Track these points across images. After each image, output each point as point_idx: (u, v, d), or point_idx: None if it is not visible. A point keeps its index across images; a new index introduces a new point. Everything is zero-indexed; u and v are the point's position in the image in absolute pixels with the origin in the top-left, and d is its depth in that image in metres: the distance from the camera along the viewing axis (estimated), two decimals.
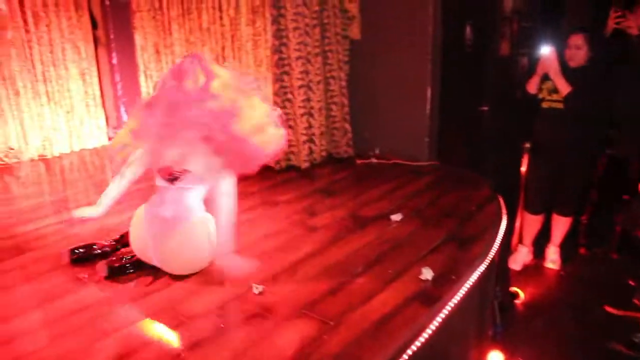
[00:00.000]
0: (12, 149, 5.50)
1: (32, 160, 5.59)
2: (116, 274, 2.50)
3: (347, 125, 4.72)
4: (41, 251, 2.95)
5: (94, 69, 6.02)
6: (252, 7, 4.50)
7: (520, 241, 4.03)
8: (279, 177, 4.32)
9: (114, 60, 6.01)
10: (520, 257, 3.99)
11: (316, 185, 4.04)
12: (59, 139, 5.81)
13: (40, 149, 5.70)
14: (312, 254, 2.76)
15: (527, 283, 3.73)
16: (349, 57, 4.69)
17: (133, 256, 2.54)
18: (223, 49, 4.89)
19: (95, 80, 6.03)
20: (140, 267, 2.54)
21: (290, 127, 4.45)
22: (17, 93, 5.45)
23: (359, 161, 4.63)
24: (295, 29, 4.24)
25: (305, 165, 4.49)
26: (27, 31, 5.41)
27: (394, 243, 2.86)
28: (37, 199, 4.21)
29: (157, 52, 5.59)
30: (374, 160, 4.61)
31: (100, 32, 6.02)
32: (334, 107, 4.67)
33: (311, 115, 4.50)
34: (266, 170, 4.27)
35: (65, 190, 4.53)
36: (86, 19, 5.82)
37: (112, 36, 6.00)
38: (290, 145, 4.49)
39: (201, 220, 2.43)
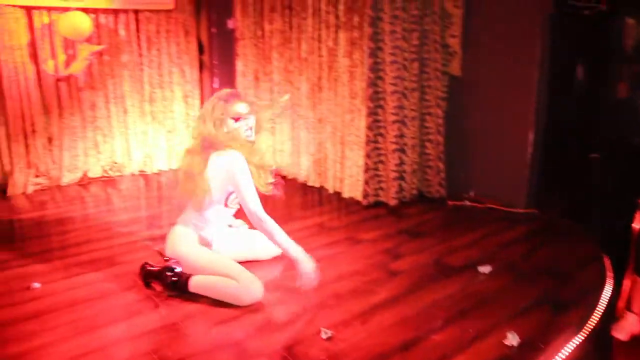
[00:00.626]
0: (116, 163, 5.93)
1: (133, 174, 5.98)
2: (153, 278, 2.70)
3: (441, 164, 4.57)
4: (130, 265, 3.11)
5: (197, 91, 6.36)
6: (351, 39, 4.53)
7: (628, 307, 3.64)
8: (366, 212, 4.28)
9: (215, 84, 6.26)
10: (628, 326, 3.59)
11: (403, 225, 3.95)
12: (159, 156, 6.18)
13: (142, 164, 6.08)
14: (389, 301, 2.67)
15: (634, 357, 3.36)
16: (447, 94, 4.57)
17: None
18: (320, 79, 4.96)
19: (197, 102, 6.33)
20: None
21: (381, 162, 4.41)
22: (125, 111, 5.89)
23: (450, 202, 4.47)
24: (393, 62, 4.22)
25: (393, 202, 4.41)
26: (140, 55, 5.85)
27: (479, 298, 2.70)
28: (135, 212, 4.50)
29: (257, 78, 5.77)
30: (466, 202, 4.43)
31: (205, 57, 6.35)
32: (428, 144, 4.56)
33: (404, 151, 4.43)
34: (353, 204, 4.38)
35: (160, 206, 4.80)
36: (194, 45, 6.18)
37: (215, 61, 6.28)
38: (380, 181, 4.45)
39: None
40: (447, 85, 4.57)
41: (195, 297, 2.63)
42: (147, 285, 2.76)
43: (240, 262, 2.77)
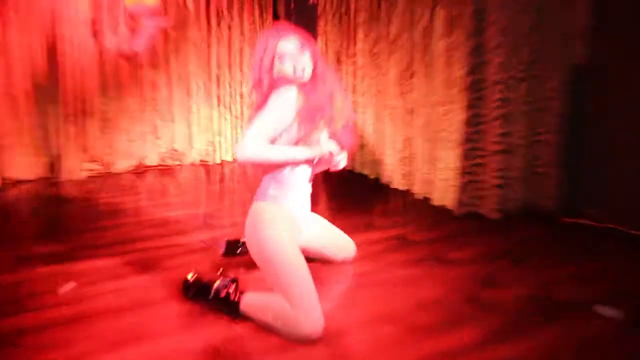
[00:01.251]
0: (175, 150, 6.09)
1: (193, 164, 6.17)
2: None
3: (555, 171, 4.26)
4: (179, 270, 3.10)
5: None
6: (450, 16, 4.33)
7: None
8: (459, 225, 4.09)
9: None
10: None
11: (502, 245, 3.71)
12: (223, 145, 6.32)
13: (204, 153, 6.23)
14: (474, 345, 2.44)
15: None
16: (567, 85, 4.24)
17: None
18: (411, 63, 4.81)
19: None
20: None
21: (480, 165, 4.20)
22: (189, 93, 6.01)
23: (564, 219, 4.16)
24: (499, 45, 3.98)
25: (493, 215, 4.20)
26: (208, 31, 5.94)
27: (595, 349, 2.42)
28: (192, 208, 4.56)
29: (338, 61, 5.72)
30: (584, 220, 4.09)
31: None
32: (539, 146, 4.27)
33: (509, 153, 4.18)
34: (444, 214, 4.24)
35: (221, 202, 4.85)
36: (269, 21, 6.20)
37: None
38: (477, 189, 4.25)
39: None
40: (567, 74, 4.24)
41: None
42: (192, 297, 2.73)
43: (310, 255, 2.79)
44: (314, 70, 2.62)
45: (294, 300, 2.39)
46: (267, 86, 2.56)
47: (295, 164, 2.65)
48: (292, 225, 2.72)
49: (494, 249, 3.62)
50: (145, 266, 3.20)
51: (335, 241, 3.11)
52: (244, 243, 3.20)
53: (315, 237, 3.00)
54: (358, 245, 3.21)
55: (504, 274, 3.21)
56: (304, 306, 2.37)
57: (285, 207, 2.71)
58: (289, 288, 2.43)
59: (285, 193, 2.72)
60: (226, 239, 3.24)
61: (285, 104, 2.47)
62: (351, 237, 3.22)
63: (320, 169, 2.76)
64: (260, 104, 2.57)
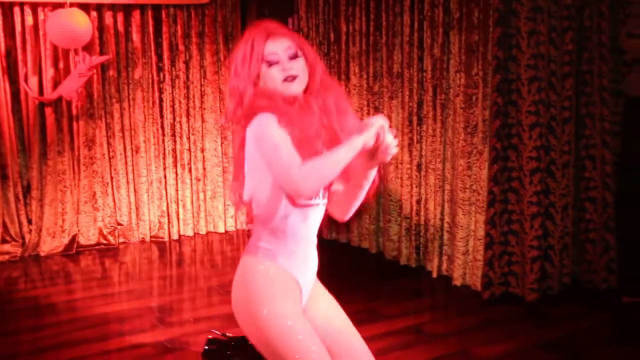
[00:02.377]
0: (120, 224, 6.06)
1: (143, 241, 6.13)
2: None
3: (611, 237, 4.29)
4: None
5: None
6: (468, 44, 4.44)
7: None
8: (488, 312, 4.09)
9: None
10: None
11: (547, 336, 3.69)
12: (181, 216, 6.29)
13: (156, 227, 6.21)
14: None
15: None
16: (621, 126, 4.33)
17: None
18: (420, 105, 4.89)
19: None
20: None
21: (513, 233, 4.22)
22: (137, 150, 6.04)
23: (626, 299, 4.17)
24: (533, 79, 4.05)
25: (532, 296, 4.17)
26: (159, 69, 6.02)
27: None
28: (144, 299, 4.56)
29: None
30: None
31: None
32: (589, 205, 4.34)
33: (549, 217, 4.21)
34: (469, 298, 4.26)
35: (180, 290, 4.86)
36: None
37: None
38: (511, 262, 4.25)
39: None
40: (620, 113, 4.33)
41: None
42: None
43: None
44: (309, 82, 2.54)
45: None
46: (246, 106, 2.48)
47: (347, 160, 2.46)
48: (293, 291, 2.57)
49: (537, 342, 3.60)
50: None
51: (348, 342, 2.93)
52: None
53: (320, 324, 2.86)
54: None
55: None
56: None
57: (282, 266, 2.61)
58: None
59: (281, 246, 2.54)
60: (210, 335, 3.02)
61: (270, 126, 2.42)
62: None
63: (372, 164, 2.52)
64: (241, 141, 2.50)
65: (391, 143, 2.27)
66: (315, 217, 2.48)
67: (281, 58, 2.40)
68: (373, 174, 2.35)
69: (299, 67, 2.41)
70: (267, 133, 2.30)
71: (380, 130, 2.20)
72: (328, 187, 2.42)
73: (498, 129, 4.15)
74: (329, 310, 2.65)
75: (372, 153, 2.27)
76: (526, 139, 4.11)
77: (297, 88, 2.43)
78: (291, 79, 2.39)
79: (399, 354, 3.38)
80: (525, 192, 4.15)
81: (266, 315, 2.40)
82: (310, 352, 2.37)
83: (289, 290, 2.47)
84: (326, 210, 2.49)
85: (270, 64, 2.37)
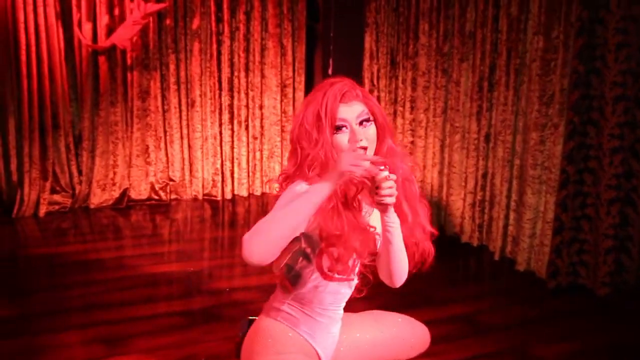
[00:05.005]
0: (172, 180, 6.02)
1: (195, 199, 6.11)
2: None
3: None
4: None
5: (301, 79, 6.32)
6: (548, 2, 4.13)
7: None
8: (553, 303, 3.96)
9: (330, 70, 6.17)
10: None
11: (620, 337, 3.46)
12: (236, 174, 6.24)
13: (209, 185, 6.16)
14: None
15: None
16: None
17: None
18: (491, 69, 4.64)
19: (301, 96, 6.29)
20: None
21: (586, 217, 3.97)
22: (192, 104, 5.96)
23: None
24: (622, 44, 3.71)
25: (603, 290, 3.94)
26: (217, 20, 5.86)
27: None
28: (192, 259, 4.51)
29: (393, 63, 5.58)
30: None
31: (319, 27, 6.26)
32: None
33: (630, 203, 3.90)
34: (533, 286, 4.18)
35: (232, 255, 4.78)
36: (302, 6, 6.11)
37: (332, 34, 6.12)
38: (582, 251, 4.04)
39: None
40: None
41: None
42: None
43: None
44: (377, 147, 2.37)
45: None
46: (299, 166, 2.31)
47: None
48: (308, 355, 2.53)
49: (607, 343, 3.43)
50: (99, 348, 3.11)
51: (391, 344, 2.83)
52: None
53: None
54: None
55: None
56: None
57: (302, 334, 2.51)
58: None
59: (305, 315, 2.51)
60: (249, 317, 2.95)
61: (291, 191, 2.25)
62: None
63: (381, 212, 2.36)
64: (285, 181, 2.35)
65: (385, 186, 2.14)
66: (347, 291, 2.46)
67: (352, 125, 2.23)
68: (393, 226, 2.23)
69: (370, 134, 2.24)
70: (285, 198, 2.15)
71: (371, 169, 2.07)
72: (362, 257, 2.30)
73: (577, 100, 3.88)
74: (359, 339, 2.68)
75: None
76: (609, 113, 3.81)
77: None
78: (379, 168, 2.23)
79: (446, 346, 3.17)
80: (604, 173, 3.87)
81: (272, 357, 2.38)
82: None
83: (304, 353, 2.42)
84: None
85: (340, 128, 2.22)
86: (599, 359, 3.20)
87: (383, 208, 2.18)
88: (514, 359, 3.17)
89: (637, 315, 3.71)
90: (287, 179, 2.29)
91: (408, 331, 2.84)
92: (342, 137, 2.26)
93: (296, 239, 2.23)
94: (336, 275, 2.32)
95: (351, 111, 2.29)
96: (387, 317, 2.83)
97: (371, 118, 2.31)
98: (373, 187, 2.20)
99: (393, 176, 2.19)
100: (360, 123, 2.28)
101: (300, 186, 2.19)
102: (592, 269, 3.99)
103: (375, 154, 2.30)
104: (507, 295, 4.05)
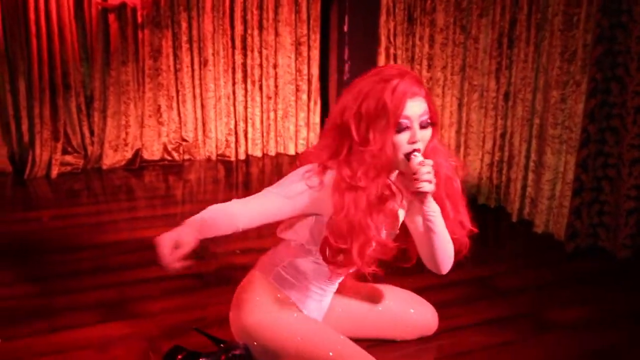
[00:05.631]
0: (185, 141, 6.02)
1: (209, 159, 6.12)
2: None
3: None
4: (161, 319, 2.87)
5: (316, 37, 6.23)
6: None
7: None
8: (570, 267, 3.87)
9: (346, 27, 6.11)
10: None
11: (638, 303, 3.36)
12: (249, 135, 6.22)
13: (223, 145, 6.15)
14: None
15: None
16: None
17: None
18: (512, 24, 4.50)
19: (315, 54, 6.22)
20: None
21: (608, 179, 3.90)
22: (204, 64, 5.90)
23: None
24: None
25: (623, 253, 3.86)
26: None
27: None
28: None
29: (410, 19, 5.45)
30: None
31: None
32: None
33: None
34: (550, 249, 4.12)
35: None
36: None
37: None
38: (602, 213, 3.98)
39: None
40: None
41: None
42: None
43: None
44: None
45: None
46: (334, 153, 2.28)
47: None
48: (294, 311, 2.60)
49: (625, 309, 3.36)
50: (110, 311, 3.09)
51: (396, 318, 2.85)
52: None
53: (356, 326, 2.81)
54: (420, 292, 2.94)
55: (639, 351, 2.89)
56: None
57: (291, 298, 2.58)
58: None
59: (297, 282, 2.56)
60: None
61: (300, 182, 2.26)
62: (410, 281, 3.05)
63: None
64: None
65: (422, 172, 2.17)
66: (342, 278, 2.60)
67: (414, 126, 2.23)
68: (434, 215, 2.28)
69: (426, 137, 2.28)
70: (291, 180, 2.26)
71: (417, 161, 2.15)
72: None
73: (600, 56, 3.76)
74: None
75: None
76: (634, 70, 3.69)
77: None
78: (414, 152, 2.23)
79: (458, 310, 3.14)
80: (627, 133, 3.77)
81: (258, 319, 2.45)
82: (292, 331, 2.41)
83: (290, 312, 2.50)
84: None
85: (403, 128, 2.22)
86: (619, 325, 3.12)
87: (422, 197, 2.19)
88: (530, 323, 3.10)
89: None
90: (316, 162, 2.26)
91: (416, 312, 2.85)
92: (403, 137, 2.20)
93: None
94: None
95: (417, 108, 2.27)
96: (398, 293, 2.81)
97: (430, 121, 2.26)
98: (410, 175, 2.19)
99: (429, 161, 2.15)
100: (421, 127, 2.23)
101: (313, 180, 2.19)
102: (612, 231, 3.92)
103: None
104: (524, 258, 4.00)
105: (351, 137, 2.20)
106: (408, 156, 2.19)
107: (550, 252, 4.05)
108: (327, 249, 2.31)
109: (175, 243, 2.10)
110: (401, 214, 2.41)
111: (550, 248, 4.10)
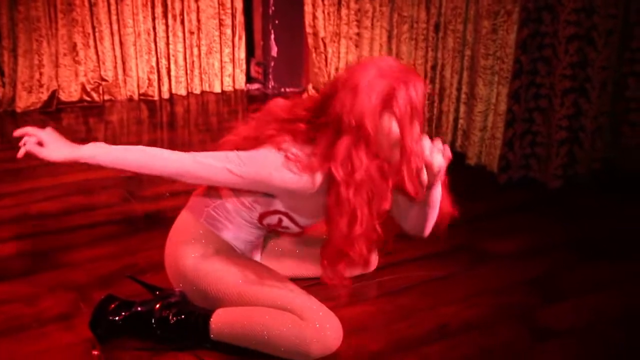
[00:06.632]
0: (104, 80, 5.84)
1: (130, 99, 5.97)
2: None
3: None
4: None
5: None
6: None
7: None
8: (505, 198, 3.95)
9: None
10: None
11: (571, 231, 3.46)
12: (173, 73, 6.08)
13: (144, 84, 6.00)
14: None
15: None
16: None
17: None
18: None
19: None
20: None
21: (539, 110, 3.94)
22: None
23: None
24: None
25: (555, 183, 3.97)
26: None
27: None
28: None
29: None
30: None
31: None
32: (632, 80, 3.93)
33: (584, 93, 3.88)
34: (484, 181, 4.19)
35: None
36: None
37: None
38: (534, 144, 4.05)
39: None
40: None
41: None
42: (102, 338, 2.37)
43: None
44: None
45: (293, 309, 2.29)
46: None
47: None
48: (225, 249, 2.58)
49: (558, 238, 3.45)
50: (35, 261, 3.00)
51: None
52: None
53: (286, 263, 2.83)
54: None
55: (568, 277, 2.98)
56: (310, 310, 2.29)
57: (222, 237, 2.55)
58: (276, 300, 2.33)
59: (228, 224, 2.52)
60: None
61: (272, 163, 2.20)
62: None
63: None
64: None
65: (432, 158, 2.16)
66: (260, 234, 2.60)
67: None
68: (434, 191, 2.32)
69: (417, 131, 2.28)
70: (269, 168, 2.18)
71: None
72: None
73: None
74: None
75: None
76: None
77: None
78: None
79: (396, 245, 3.02)
80: (559, 62, 3.81)
81: (193, 262, 2.42)
82: (231, 273, 2.39)
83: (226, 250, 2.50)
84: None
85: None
86: (552, 253, 3.19)
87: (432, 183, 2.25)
88: (465, 255, 3.14)
89: (590, 209, 3.73)
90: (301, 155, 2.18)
91: None
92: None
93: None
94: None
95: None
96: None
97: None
98: (421, 166, 2.19)
99: (438, 144, 2.18)
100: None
101: (288, 179, 2.15)
102: (544, 161, 3.99)
103: None
104: (457, 191, 3.96)
105: (361, 136, 2.12)
106: None
107: (483, 183, 4.11)
108: (278, 221, 2.38)
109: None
110: None
111: (483, 179, 4.16)
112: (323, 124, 2.14)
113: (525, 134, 4.00)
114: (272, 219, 2.39)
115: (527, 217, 3.63)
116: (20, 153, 2.02)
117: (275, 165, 2.12)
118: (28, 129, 2.06)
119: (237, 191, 2.39)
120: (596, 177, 4.10)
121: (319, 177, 2.15)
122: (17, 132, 2.04)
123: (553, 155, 3.93)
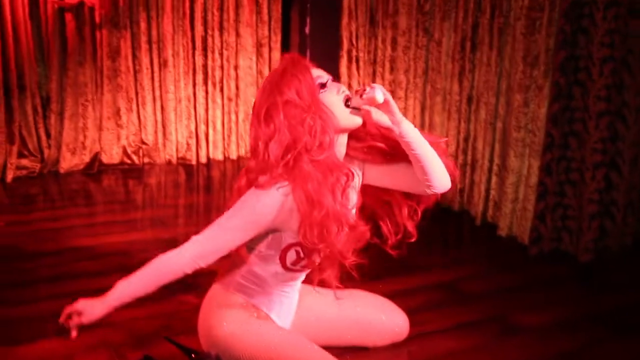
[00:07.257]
0: (145, 144, 5.94)
1: (169, 162, 6.05)
2: None
3: None
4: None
5: (277, 38, 6.22)
6: None
7: None
8: (535, 270, 3.88)
9: (307, 29, 6.11)
10: None
11: (601, 305, 3.41)
12: (210, 138, 6.18)
13: (183, 148, 6.09)
14: None
15: None
16: None
17: None
18: (475, 27, 4.54)
19: (277, 56, 6.17)
20: None
21: (570, 183, 3.95)
22: (164, 65, 5.85)
23: None
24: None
25: (586, 257, 3.91)
26: None
27: None
28: (167, 228, 4.40)
29: (372, 21, 5.48)
30: None
31: None
32: None
33: (615, 167, 3.89)
34: (514, 252, 4.14)
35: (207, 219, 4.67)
36: None
37: None
38: (565, 217, 4.01)
39: None
40: None
41: None
42: None
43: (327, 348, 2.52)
44: None
45: None
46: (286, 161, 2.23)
47: None
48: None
49: (588, 312, 3.38)
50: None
51: (362, 323, 2.83)
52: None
53: (323, 333, 2.79)
54: (387, 297, 2.91)
55: (602, 351, 2.91)
56: None
57: (256, 304, 2.55)
58: None
59: (259, 287, 2.54)
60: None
61: (258, 203, 2.27)
62: (375, 284, 3.06)
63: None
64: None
65: (367, 91, 2.22)
66: (297, 279, 2.56)
67: (329, 81, 2.33)
68: (408, 132, 2.28)
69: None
70: (247, 203, 2.24)
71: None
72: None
73: (563, 61, 3.80)
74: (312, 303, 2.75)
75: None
76: (596, 74, 3.73)
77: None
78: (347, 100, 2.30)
79: (427, 315, 3.13)
80: (589, 137, 3.80)
81: (229, 330, 2.42)
82: (263, 342, 2.40)
83: (259, 318, 2.50)
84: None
85: (324, 85, 2.30)
86: (582, 327, 3.14)
87: (387, 113, 2.26)
88: (495, 327, 3.10)
89: (621, 283, 3.67)
90: (264, 175, 2.21)
91: (387, 318, 2.85)
92: (330, 94, 2.24)
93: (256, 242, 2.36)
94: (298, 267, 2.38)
95: (319, 72, 2.33)
96: (369, 299, 2.81)
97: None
98: (362, 123, 2.29)
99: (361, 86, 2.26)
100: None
101: (264, 201, 2.20)
102: (575, 234, 3.94)
103: None
104: (488, 262, 4.01)
105: (297, 139, 2.19)
106: (347, 104, 2.25)
107: (514, 255, 4.07)
108: (287, 258, 2.36)
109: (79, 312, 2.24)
110: (357, 180, 2.43)
111: (514, 251, 4.12)
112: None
113: (557, 206, 3.98)
114: (291, 256, 2.39)
115: (558, 291, 3.58)
116: (74, 334, 2.21)
117: (253, 198, 2.19)
118: (66, 311, 2.23)
119: (250, 247, 2.41)
120: (627, 251, 4.05)
121: (285, 184, 2.18)
122: (62, 319, 2.23)
123: (584, 228, 3.89)
